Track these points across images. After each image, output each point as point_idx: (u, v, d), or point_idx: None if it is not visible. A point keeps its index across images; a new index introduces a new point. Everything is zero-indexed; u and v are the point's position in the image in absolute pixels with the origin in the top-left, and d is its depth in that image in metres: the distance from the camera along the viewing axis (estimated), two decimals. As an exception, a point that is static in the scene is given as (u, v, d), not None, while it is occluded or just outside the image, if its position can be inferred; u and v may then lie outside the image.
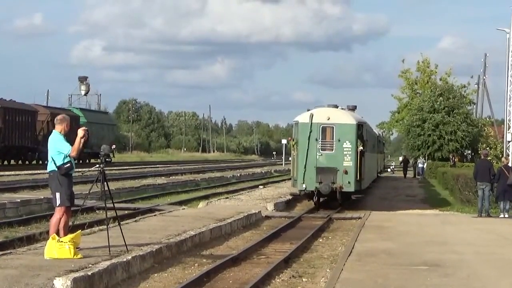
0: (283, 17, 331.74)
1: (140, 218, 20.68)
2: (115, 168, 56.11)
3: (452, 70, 73.25)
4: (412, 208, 30.28)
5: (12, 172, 44.30)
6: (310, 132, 27.74)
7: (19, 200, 24.19)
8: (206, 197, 32.34)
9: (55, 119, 13.95)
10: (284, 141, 75.70)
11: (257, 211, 24.57)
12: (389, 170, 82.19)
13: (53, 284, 10.73)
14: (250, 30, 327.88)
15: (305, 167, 27.58)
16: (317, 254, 17.41)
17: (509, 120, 48.21)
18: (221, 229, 19.85)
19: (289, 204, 30.21)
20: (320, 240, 20.21)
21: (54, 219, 13.50)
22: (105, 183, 13.75)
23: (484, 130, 68.12)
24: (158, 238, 16.19)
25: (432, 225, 23.00)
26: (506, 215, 25.57)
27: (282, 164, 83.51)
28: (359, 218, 25.16)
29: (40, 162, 56.38)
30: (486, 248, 17.58)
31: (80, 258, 12.71)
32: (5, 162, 58.32)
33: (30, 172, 44.89)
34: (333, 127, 27.87)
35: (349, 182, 27.50)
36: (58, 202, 13.41)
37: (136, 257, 13.51)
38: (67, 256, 12.64)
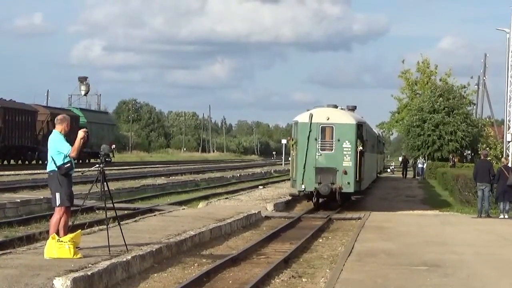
0: (283, 17, 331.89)
1: (140, 218, 20.68)
2: (115, 168, 56.10)
3: (452, 71, 73.29)
4: (412, 209, 30.27)
5: (12, 172, 44.30)
6: (310, 132, 27.64)
7: (19, 200, 24.19)
8: (206, 197, 32.34)
9: (55, 119, 13.97)
10: (284, 141, 75.60)
11: (257, 211, 24.57)
12: (389, 170, 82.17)
13: (53, 284, 10.73)
14: (250, 30, 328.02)
15: (304, 167, 27.47)
16: (317, 254, 17.41)
17: (509, 121, 48.21)
18: (221, 229, 19.86)
19: (289, 205, 30.20)
20: (320, 240, 20.22)
21: (54, 219, 13.51)
22: (105, 183, 13.76)
23: (484, 130, 68.13)
24: (158, 238, 16.19)
25: (432, 225, 23.00)
26: (506, 216, 25.58)
27: (282, 164, 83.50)
28: (359, 218, 25.16)
29: (40, 162, 56.37)
30: (486, 249, 17.59)
31: (80, 258, 12.72)
32: (5, 162, 58.32)
33: (30, 172, 44.89)
34: (332, 127, 27.78)
35: (348, 183, 27.40)
36: (58, 202, 13.42)
37: (136, 257, 13.51)
38: (67, 256, 12.65)
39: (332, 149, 27.66)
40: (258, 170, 68.01)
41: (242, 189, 39.55)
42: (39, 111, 60.68)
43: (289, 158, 31.39)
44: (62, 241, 12.79)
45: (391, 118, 76.73)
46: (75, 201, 14.12)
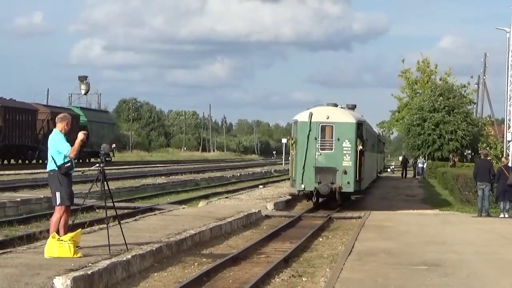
0: (283, 16, 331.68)
1: (140, 217, 20.68)
2: (115, 167, 56.13)
3: (452, 70, 73.38)
4: (412, 208, 30.26)
5: (12, 171, 44.34)
6: (309, 131, 27.54)
7: (19, 199, 24.19)
8: (206, 197, 32.33)
9: (56, 118, 13.97)
10: (284, 141, 75.58)
11: (257, 211, 24.57)
12: (389, 170, 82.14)
13: (53, 283, 10.73)
14: (250, 29, 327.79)
15: (303, 167, 27.35)
16: (317, 253, 17.42)
17: (509, 120, 48.22)
18: (221, 228, 19.86)
19: (289, 204, 30.20)
20: (320, 239, 20.22)
21: (54, 218, 13.52)
22: (105, 182, 13.76)
23: (484, 129, 68.15)
24: (158, 237, 16.19)
25: (432, 224, 23.00)
26: (506, 215, 25.59)
27: (282, 163, 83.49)
28: (359, 217, 25.16)
29: (40, 161, 56.40)
30: (486, 248, 17.59)
31: (80, 257, 12.72)
32: (5, 161, 58.32)
33: (30, 171, 44.93)
34: (332, 126, 27.68)
35: (348, 182, 27.31)
36: (58, 201, 13.43)
37: (136, 256, 13.52)
38: (67, 255, 12.65)
39: (332, 149, 27.57)
40: (258, 169, 68.04)
41: (242, 189, 39.55)
42: (39, 110, 60.70)
43: (289, 158, 31.32)
44: (62, 240, 12.79)
45: (391, 117, 76.77)
46: (75, 200, 14.13)
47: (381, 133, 68.38)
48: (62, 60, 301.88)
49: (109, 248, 13.48)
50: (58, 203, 13.44)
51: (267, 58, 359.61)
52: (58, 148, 13.40)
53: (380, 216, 25.48)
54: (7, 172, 43.15)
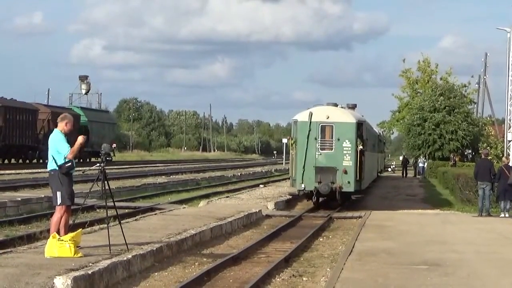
0: (283, 16, 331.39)
1: (141, 217, 20.69)
2: (115, 167, 56.15)
3: (453, 70, 73.31)
4: (413, 208, 30.25)
5: (13, 171, 44.35)
6: (309, 131, 27.50)
7: (19, 199, 24.21)
8: (206, 196, 32.34)
9: (58, 117, 13.98)
10: (284, 140, 75.52)
11: (257, 210, 24.57)
12: (389, 169, 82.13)
13: (54, 283, 10.74)
14: (250, 29, 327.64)
15: (304, 166, 27.32)
16: (317, 253, 17.42)
17: (510, 120, 48.15)
18: (222, 228, 19.86)
19: (289, 203, 30.20)
20: (321, 239, 20.22)
21: (54, 218, 13.52)
22: (106, 182, 13.77)
23: (485, 129, 68.13)
24: (159, 237, 16.20)
25: (432, 224, 23.01)
26: (507, 215, 25.60)
27: (282, 163, 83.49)
28: (360, 217, 25.16)
29: (41, 161, 56.39)
30: (486, 248, 17.59)
31: (81, 256, 12.72)
32: (6, 161, 58.34)
33: (30, 171, 44.93)
34: (332, 126, 27.65)
35: (348, 182, 27.29)
36: (58, 201, 13.44)
37: (137, 256, 13.52)
38: (67, 254, 12.66)
39: (332, 148, 27.55)
40: (258, 169, 68.08)
41: (243, 188, 39.56)
42: (40, 110, 60.70)
43: (289, 157, 31.31)
44: (62, 240, 12.80)
45: (392, 117, 76.74)
46: (76, 200, 14.12)
47: (381, 133, 68.40)
48: (62, 60, 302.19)
49: (110, 248, 13.49)
50: (58, 203, 13.44)
51: (267, 58, 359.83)
52: (58, 148, 13.41)
53: (380, 215, 25.49)
54: (7, 171, 43.17)
